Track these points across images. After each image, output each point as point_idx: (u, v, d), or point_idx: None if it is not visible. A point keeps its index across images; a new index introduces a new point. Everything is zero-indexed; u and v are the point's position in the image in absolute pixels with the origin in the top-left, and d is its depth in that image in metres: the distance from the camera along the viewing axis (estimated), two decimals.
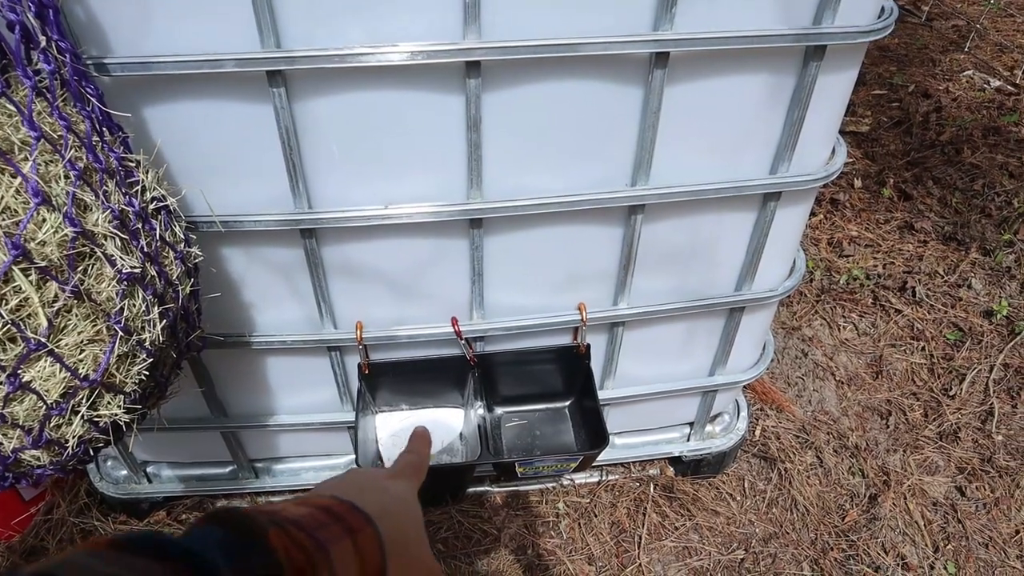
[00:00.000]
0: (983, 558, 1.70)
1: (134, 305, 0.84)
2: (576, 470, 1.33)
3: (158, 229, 0.90)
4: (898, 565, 1.68)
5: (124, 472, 1.61)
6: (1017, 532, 1.75)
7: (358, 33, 0.94)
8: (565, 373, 1.44)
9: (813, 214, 2.60)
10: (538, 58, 0.98)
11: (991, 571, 1.68)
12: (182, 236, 0.97)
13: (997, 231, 2.47)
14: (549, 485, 1.76)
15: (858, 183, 2.72)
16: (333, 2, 0.91)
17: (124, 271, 0.81)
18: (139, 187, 0.89)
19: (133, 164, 0.90)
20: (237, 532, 0.39)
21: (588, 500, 1.75)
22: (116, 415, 0.85)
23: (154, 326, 0.88)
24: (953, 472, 1.87)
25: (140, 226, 0.87)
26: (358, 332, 1.27)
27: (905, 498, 1.81)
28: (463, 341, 1.31)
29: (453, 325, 1.28)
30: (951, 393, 2.05)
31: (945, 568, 1.68)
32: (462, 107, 1.03)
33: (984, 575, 1.68)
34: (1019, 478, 1.84)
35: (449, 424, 1.41)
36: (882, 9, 1.09)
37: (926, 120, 2.97)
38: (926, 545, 1.72)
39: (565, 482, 1.77)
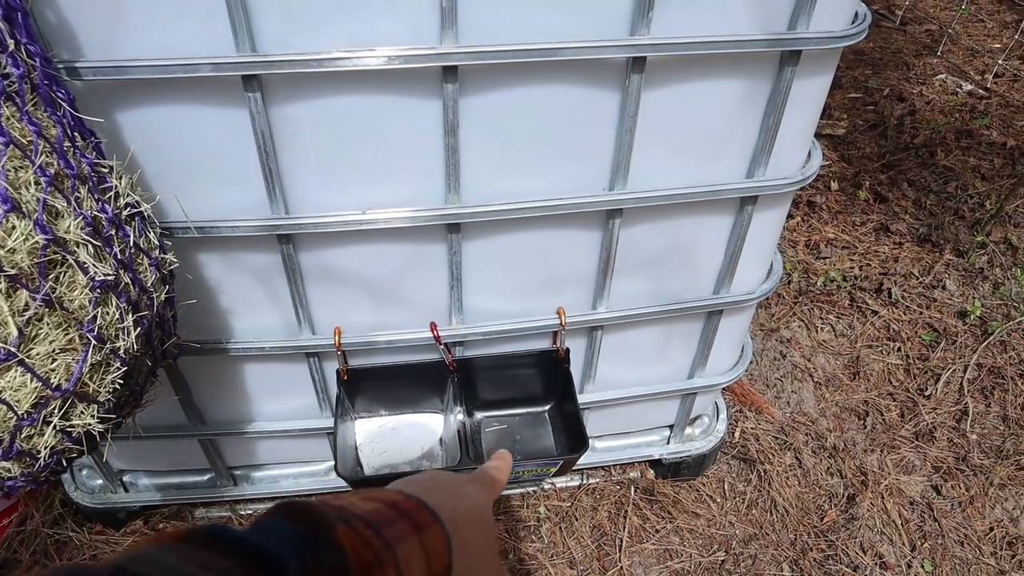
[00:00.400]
0: (959, 556, 1.73)
1: (108, 313, 0.83)
2: (556, 474, 1.33)
3: (132, 236, 0.89)
4: (876, 564, 1.70)
5: (100, 481, 1.59)
6: (991, 529, 1.77)
7: (334, 37, 0.94)
8: (544, 377, 1.44)
9: (791, 216, 2.62)
10: (515, 62, 0.98)
11: (967, 568, 1.70)
12: (157, 243, 0.96)
13: (970, 233, 2.50)
14: (530, 489, 1.76)
15: (835, 186, 2.75)
16: (309, 6, 0.91)
17: (97, 279, 0.80)
18: (112, 193, 0.88)
19: (106, 170, 0.88)
20: (306, 527, 0.39)
21: (569, 504, 1.75)
22: (90, 425, 0.83)
23: (128, 334, 0.87)
24: (929, 471, 1.90)
25: (113, 233, 0.86)
26: (336, 338, 1.26)
27: (883, 497, 1.82)
28: (442, 346, 1.30)
29: (432, 330, 1.28)
30: (927, 393, 2.07)
31: (922, 566, 1.70)
32: (439, 111, 1.02)
33: (960, 572, 1.70)
34: (993, 476, 1.87)
35: (429, 429, 1.40)
36: (856, 14, 1.10)
37: (901, 123, 3.01)
38: (903, 544, 1.74)
39: (546, 486, 1.77)
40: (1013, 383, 2.08)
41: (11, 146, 0.73)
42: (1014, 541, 1.75)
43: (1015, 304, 2.28)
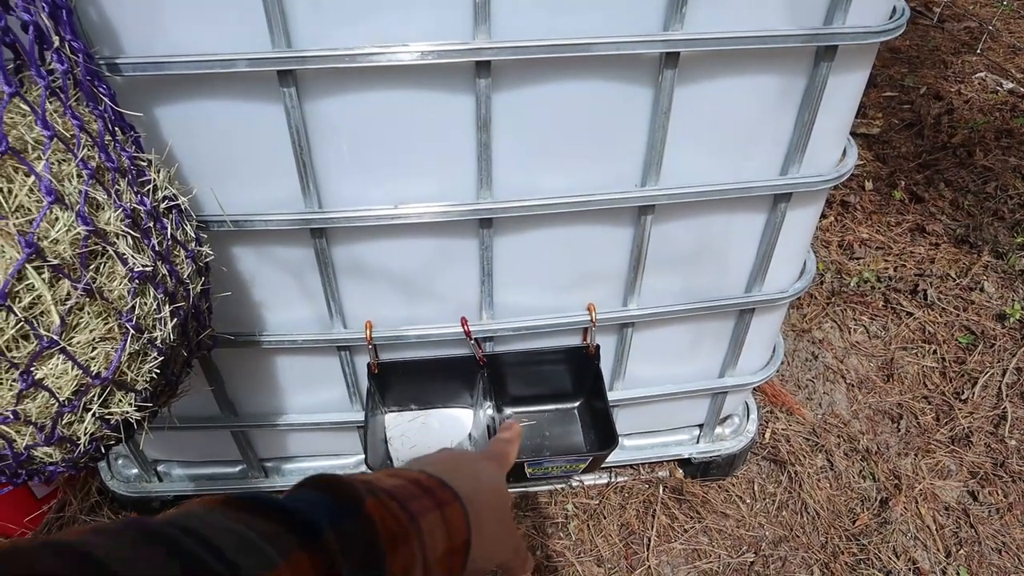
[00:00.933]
0: (996, 564, 1.69)
1: (145, 303, 0.85)
2: (585, 471, 1.32)
3: (169, 228, 0.91)
4: (910, 570, 1.67)
5: (135, 471, 1.62)
6: None
7: (368, 33, 0.94)
8: (574, 374, 1.43)
9: (824, 216, 2.59)
10: (548, 58, 0.98)
11: None
12: (193, 235, 0.98)
13: (1010, 234, 2.45)
14: (558, 486, 1.76)
15: (869, 185, 2.71)
16: (343, 1, 0.92)
17: (136, 269, 0.82)
18: (151, 186, 0.89)
19: (145, 163, 0.90)
20: (336, 498, 0.41)
21: (597, 502, 1.75)
22: (127, 413, 0.85)
23: (165, 324, 0.88)
24: (965, 476, 1.86)
25: (152, 225, 0.87)
26: (368, 332, 1.27)
27: (917, 502, 1.79)
28: (472, 341, 1.31)
29: (462, 325, 1.29)
30: (963, 397, 2.04)
31: (958, 573, 1.67)
32: (472, 107, 1.03)
33: None
34: None
35: (458, 424, 1.41)
36: (893, 9, 1.09)
37: (938, 122, 2.95)
38: (938, 550, 1.71)
39: (574, 483, 1.77)
40: None
41: (55, 140, 0.75)
42: None
43: None
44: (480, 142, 1.06)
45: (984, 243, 2.43)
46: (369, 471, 1.26)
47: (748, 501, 1.79)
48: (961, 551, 1.71)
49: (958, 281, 2.34)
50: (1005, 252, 2.39)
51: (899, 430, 1.97)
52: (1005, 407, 1.99)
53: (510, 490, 1.71)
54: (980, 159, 2.75)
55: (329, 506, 0.40)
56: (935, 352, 2.16)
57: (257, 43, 0.93)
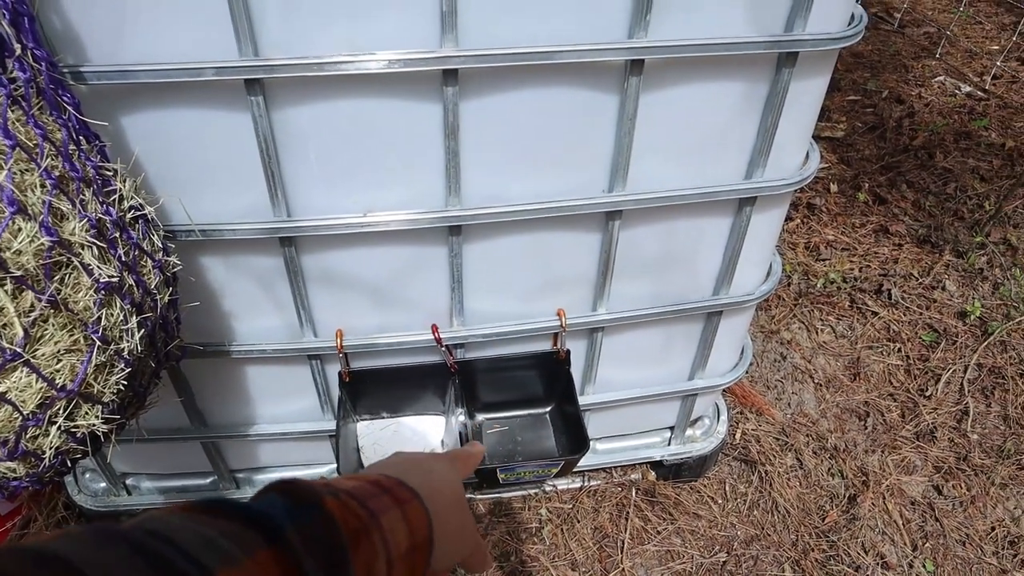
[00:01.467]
0: (960, 555, 1.73)
1: (112, 314, 0.84)
2: (558, 475, 1.33)
3: (136, 238, 0.90)
4: (878, 564, 1.70)
5: (103, 484, 1.60)
6: (993, 529, 1.77)
7: (335, 41, 0.95)
8: (545, 379, 1.44)
9: (790, 219, 2.63)
10: (515, 66, 0.99)
11: (968, 568, 1.71)
12: (160, 245, 0.97)
13: (970, 233, 2.51)
14: (531, 491, 1.77)
15: (834, 188, 2.76)
16: (310, 10, 0.92)
17: (101, 280, 0.81)
18: (116, 196, 0.88)
19: (110, 173, 0.89)
20: (297, 498, 0.42)
21: (571, 506, 1.76)
22: (94, 425, 0.84)
23: (132, 335, 0.87)
24: (930, 471, 1.90)
25: (118, 235, 0.87)
26: (338, 340, 1.27)
27: (884, 498, 1.83)
28: (443, 348, 1.31)
29: (433, 332, 1.29)
30: (927, 393, 2.08)
31: (924, 566, 1.70)
32: (440, 115, 1.03)
33: (962, 572, 1.70)
34: (994, 476, 1.87)
35: (430, 431, 1.41)
36: (852, 16, 1.11)
37: (899, 125, 3.02)
38: (905, 544, 1.74)
39: (547, 488, 1.78)
40: (1013, 383, 2.08)
41: (17, 149, 0.74)
42: (1016, 540, 1.75)
43: (1015, 304, 2.29)
44: (448, 149, 1.07)
45: (945, 243, 2.48)
46: None
47: (720, 501, 1.81)
48: (927, 544, 1.74)
49: (921, 280, 2.39)
50: (965, 251, 2.45)
51: (866, 427, 2.00)
52: (967, 402, 2.04)
53: (482, 496, 1.72)
54: (940, 161, 2.82)
55: (288, 507, 0.41)
56: (900, 350, 2.20)
57: (224, 51, 0.93)
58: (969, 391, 2.07)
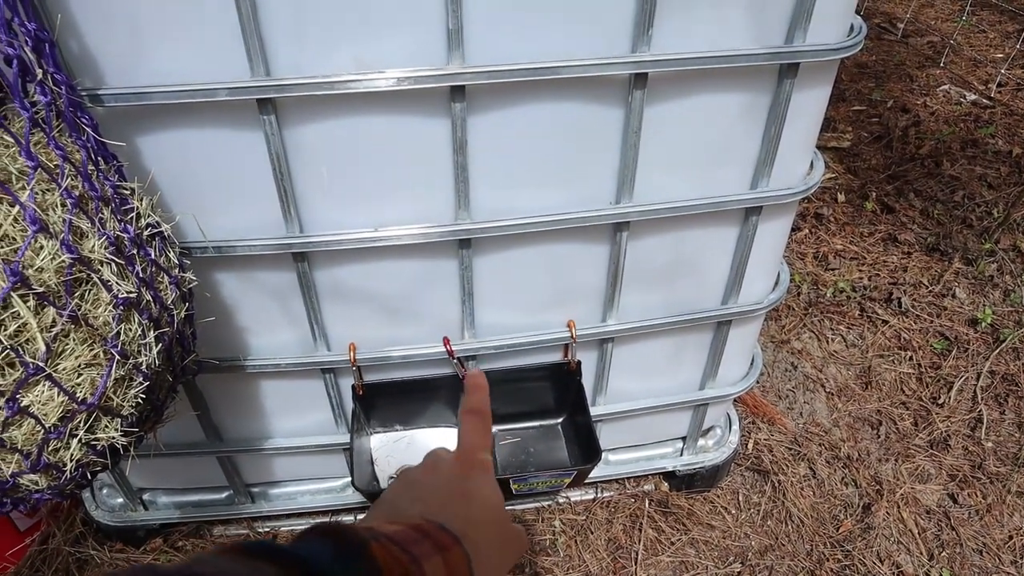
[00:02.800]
0: (978, 564, 1.72)
1: (130, 329, 0.86)
2: (570, 486, 1.34)
3: (153, 254, 0.92)
4: (894, 574, 1.69)
5: (120, 500, 1.62)
6: (1011, 538, 1.76)
7: (345, 59, 0.97)
8: (557, 390, 1.45)
9: (798, 229, 2.64)
10: (521, 81, 1.01)
11: None
12: (176, 261, 0.99)
13: (978, 241, 2.51)
14: (545, 503, 1.77)
15: (841, 197, 2.76)
16: (320, 30, 0.94)
17: (120, 296, 0.83)
18: (134, 214, 0.91)
19: (128, 192, 0.92)
20: (342, 543, 0.42)
21: (584, 517, 1.76)
22: (113, 438, 0.86)
23: (150, 350, 0.89)
24: (945, 480, 1.89)
25: (135, 252, 0.89)
26: (351, 354, 1.28)
27: (898, 507, 1.82)
28: (455, 360, 1.32)
29: (445, 345, 1.30)
30: (940, 401, 2.07)
31: (941, 575, 1.69)
32: (448, 130, 1.05)
33: None
34: (1010, 484, 1.86)
35: (443, 443, 1.42)
36: (851, 27, 1.13)
37: (905, 134, 3.03)
38: (921, 553, 1.73)
39: (560, 500, 1.78)
40: None
41: (39, 170, 0.77)
42: None
43: None
44: (457, 164, 1.09)
45: (954, 250, 2.48)
46: (360, 493, 1.27)
47: (733, 512, 1.81)
48: (943, 553, 1.73)
49: (931, 288, 2.39)
50: (974, 258, 2.45)
51: (879, 436, 2.00)
52: (980, 410, 2.03)
53: None
54: (947, 169, 2.82)
55: (334, 552, 0.41)
56: (911, 358, 2.20)
57: (237, 71, 0.96)
58: (982, 399, 2.07)
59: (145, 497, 1.61)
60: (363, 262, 1.19)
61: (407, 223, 1.14)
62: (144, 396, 0.90)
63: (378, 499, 0.58)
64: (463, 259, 1.20)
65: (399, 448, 1.40)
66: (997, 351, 2.17)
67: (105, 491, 1.62)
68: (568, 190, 1.17)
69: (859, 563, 1.70)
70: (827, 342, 2.27)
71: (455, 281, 1.24)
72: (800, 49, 1.06)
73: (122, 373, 0.85)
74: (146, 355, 0.89)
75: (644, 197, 1.19)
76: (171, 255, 0.98)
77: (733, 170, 1.23)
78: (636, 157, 1.14)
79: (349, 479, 1.59)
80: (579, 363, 1.41)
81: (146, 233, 0.93)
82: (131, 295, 0.85)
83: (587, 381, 1.48)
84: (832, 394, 2.11)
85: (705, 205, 1.22)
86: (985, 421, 2.01)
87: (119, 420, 0.87)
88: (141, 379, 0.89)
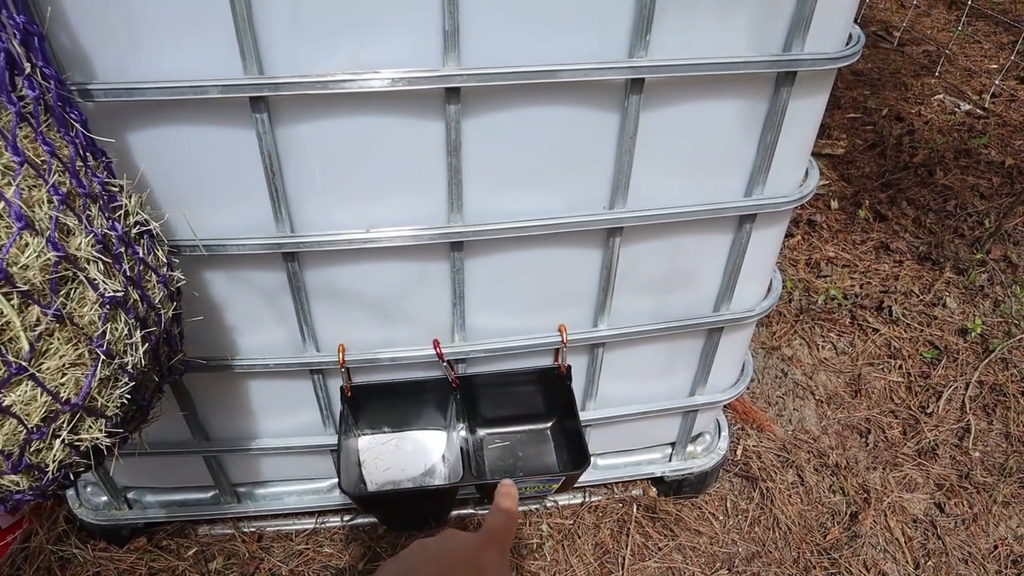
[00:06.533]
0: (963, 574, 1.72)
1: (116, 329, 0.85)
2: (558, 491, 1.33)
3: (141, 253, 0.91)
4: None
5: (104, 498, 1.60)
6: (996, 547, 1.77)
7: (339, 59, 0.96)
8: (546, 394, 1.45)
9: (791, 235, 2.64)
10: (516, 84, 1.00)
11: None
12: (165, 260, 0.98)
13: (970, 251, 2.52)
14: (533, 507, 1.76)
15: (834, 204, 2.77)
16: (314, 28, 0.93)
17: (107, 295, 0.82)
18: (122, 212, 0.90)
19: (116, 189, 0.90)
20: None
21: (572, 522, 1.75)
22: (98, 439, 0.85)
23: (136, 350, 0.88)
24: (932, 489, 1.90)
25: (123, 250, 0.88)
26: (340, 355, 1.27)
27: (886, 515, 1.82)
28: (445, 363, 1.31)
29: (435, 347, 1.29)
30: (928, 410, 2.08)
31: None
32: (442, 132, 1.05)
33: None
34: (996, 494, 1.87)
35: (431, 446, 1.41)
36: (850, 36, 1.13)
37: (899, 143, 3.03)
38: (907, 562, 1.74)
39: (548, 504, 1.77)
40: (1015, 400, 2.08)
41: (26, 165, 0.75)
42: (1019, 559, 1.74)
43: (1016, 321, 2.29)
44: (450, 166, 1.08)
45: (946, 260, 2.49)
46: (347, 496, 1.25)
47: (721, 518, 1.81)
48: (929, 562, 1.74)
49: (921, 297, 2.39)
50: (966, 268, 2.46)
51: (867, 444, 2.00)
52: (968, 420, 2.04)
53: (483, 511, 1.71)
54: (940, 178, 2.83)
55: None
56: (901, 367, 2.20)
57: (229, 69, 0.94)
58: (971, 408, 2.07)
59: (130, 495, 1.60)
60: (354, 263, 1.18)
61: (399, 225, 1.13)
62: (130, 396, 0.89)
63: (390, 560, 0.58)
64: (455, 262, 1.20)
65: (387, 451, 1.39)
66: (986, 361, 2.18)
67: (89, 489, 1.61)
68: (562, 194, 1.17)
69: (845, 571, 1.70)
70: (818, 349, 2.27)
71: (446, 284, 1.23)
72: (798, 58, 1.06)
73: (107, 373, 0.84)
74: (132, 355, 0.88)
75: (638, 203, 1.19)
76: (159, 253, 0.97)
77: (728, 177, 1.22)
78: (631, 162, 1.13)
79: (336, 480, 1.58)
80: (569, 368, 1.40)
81: (134, 231, 0.92)
82: (118, 294, 0.84)
83: (577, 386, 1.48)
84: (822, 401, 2.12)
85: (699, 212, 1.21)
86: (973, 431, 2.01)
87: (103, 421, 0.85)
88: (127, 379, 0.87)
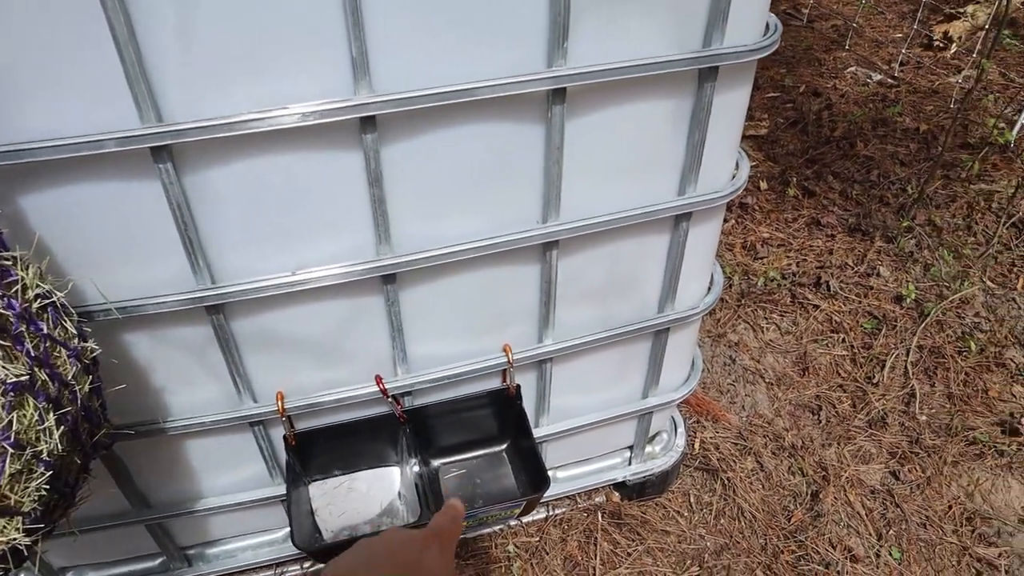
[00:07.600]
0: (923, 538, 1.75)
1: (25, 416, 0.77)
2: (522, 514, 1.30)
3: (45, 328, 0.84)
4: (846, 558, 1.71)
5: None
6: (950, 507, 1.80)
7: (244, 97, 0.90)
8: (498, 416, 1.41)
9: (725, 220, 2.66)
10: (434, 106, 0.96)
11: (932, 550, 1.73)
12: (75, 331, 0.90)
13: (897, 218, 2.58)
14: (497, 528, 1.72)
15: (764, 185, 2.80)
16: (213, 68, 0.87)
17: (8, 382, 0.75)
18: (19, 286, 0.82)
19: (9, 262, 0.83)
20: None
21: (538, 538, 1.72)
22: (15, 539, 0.77)
23: (51, 435, 0.81)
24: (886, 458, 1.93)
25: (24, 329, 0.80)
26: (279, 403, 1.21)
27: (845, 490, 1.84)
28: (390, 399, 1.26)
29: (378, 383, 1.24)
30: (874, 380, 2.11)
31: (891, 553, 1.72)
32: (361, 163, 1.00)
33: (926, 555, 1.72)
34: (945, 455, 1.91)
35: (386, 484, 1.36)
36: (767, 26, 1.12)
37: (819, 118, 3.09)
38: (870, 534, 1.76)
39: (512, 523, 1.74)
40: (953, 361, 2.13)
41: None
42: (972, 516, 1.78)
43: (946, 283, 2.35)
44: (374, 198, 1.03)
45: (875, 229, 2.54)
46: (297, 548, 1.20)
47: (686, 514, 1.80)
48: (891, 531, 1.76)
49: (856, 269, 2.44)
50: (894, 236, 2.51)
51: (820, 421, 2.02)
52: (913, 384, 2.08)
53: None
54: (861, 149, 2.89)
55: None
56: (843, 340, 2.24)
57: (125, 120, 0.88)
58: (913, 373, 2.12)
59: (69, 575, 1.50)
60: (284, 307, 1.12)
61: (327, 263, 1.08)
62: (48, 486, 0.81)
63: (329, 563, 0.57)
64: (388, 295, 1.15)
65: (339, 494, 1.33)
66: (923, 325, 2.23)
67: (22, 575, 1.50)
68: (493, 213, 1.13)
69: (813, 552, 1.72)
70: (762, 332, 2.29)
71: (382, 318, 1.18)
72: (719, 52, 1.04)
73: (19, 467, 0.76)
74: (47, 441, 0.80)
75: (571, 213, 1.16)
76: (68, 325, 0.89)
77: (660, 178, 1.20)
78: (560, 174, 1.10)
79: (288, 530, 1.51)
80: (518, 387, 1.37)
81: (35, 305, 0.84)
82: (23, 378, 0.76)
83: (528, 402, 1.45)
84: (771, 384, 2.13)
85: (633, 216, 1.19)
86: (918, 395, 2.06)
87: (20, 518, 0.78)
88: (43, 468, 0.80)
